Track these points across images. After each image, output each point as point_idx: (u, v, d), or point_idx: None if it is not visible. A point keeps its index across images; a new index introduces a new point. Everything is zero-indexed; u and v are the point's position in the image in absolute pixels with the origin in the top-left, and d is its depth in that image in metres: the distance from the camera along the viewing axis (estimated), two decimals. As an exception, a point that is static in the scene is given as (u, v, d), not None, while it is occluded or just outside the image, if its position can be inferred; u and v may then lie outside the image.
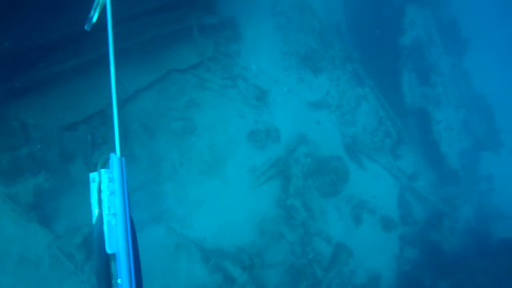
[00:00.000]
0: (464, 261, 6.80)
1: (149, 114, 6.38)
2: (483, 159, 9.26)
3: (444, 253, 7.00)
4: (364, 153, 7.78)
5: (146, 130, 6.27)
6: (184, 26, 6.69)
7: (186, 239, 5.82)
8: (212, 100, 7.00)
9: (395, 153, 7.99)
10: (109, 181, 1.32)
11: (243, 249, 6.07)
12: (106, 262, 1.22)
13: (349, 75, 8.52)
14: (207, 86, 7.01)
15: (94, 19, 1.73)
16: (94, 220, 1.31)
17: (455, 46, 9.89)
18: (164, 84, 6.66)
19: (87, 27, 1.95)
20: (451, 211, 7.57)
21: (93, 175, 1.37)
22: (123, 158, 1.44)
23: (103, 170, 1.35)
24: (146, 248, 5.64)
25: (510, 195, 9.46)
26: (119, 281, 1.17)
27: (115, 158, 1.40)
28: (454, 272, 6.58)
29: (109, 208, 1.28)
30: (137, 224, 4.69)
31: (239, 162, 6.76)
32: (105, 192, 1.30)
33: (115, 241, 1.23)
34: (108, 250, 1.21)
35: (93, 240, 1.28)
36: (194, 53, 6.99)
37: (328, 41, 8.78)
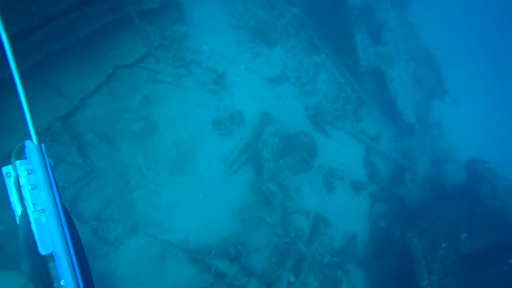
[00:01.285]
0: (426, 209, 7.48)
1: (102, 121, 5.83)
2: (433, 107, 9.89)
3: (409, 204, 7.63)
4: (328, 122, 7.92)
5: (103, 139, 5.77)
6: (122, 15, 5.95)
7: (168, 244, 5.71)
8: (169, 93, 6.53)
9: (357, 117, 8.22)
10: (29, 174, 1.13)
11: (227, 240, 6.13)
12: (42, 265, 1.06)
13: (304, 43, 8.33)
14: (160, 78, 6.49)
15: None
16: (18, 220, 1.12)
17: (400, -2, 9.96)
18: (112, 85, 6.04)
19: None
20: (411, 164, 8.14)
21: (6, 169, 1.14)
22: (42, 144, 1.21)
23: (18, 162, 1.13)
24: (130, 261, 5.47)
25: (457, 138, 10.36)
26: (62, 282, 1.03)
27: (32, 146, 1.17)
28: (419, 221, 7.23)
29: (34, 204, 1.10)
30: (115, 238, 4.47)
31: (208, 154, 6.57)
32: (26, 186, 1.11)
33: (50, 239, 1.08)
34: (42, 251, 1.06)
35: (19, 244, 1.11)
36: (139, 44, 6.33)
37: (278, 10, 8.38)
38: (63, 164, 5.25)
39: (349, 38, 8.37)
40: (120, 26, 6.03)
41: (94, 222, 5.04)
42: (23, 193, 1.11)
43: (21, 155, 1.15)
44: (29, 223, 1.07)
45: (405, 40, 9.42)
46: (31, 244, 1.06)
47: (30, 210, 1.08)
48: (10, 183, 1.13)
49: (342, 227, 7.38)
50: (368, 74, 8.46)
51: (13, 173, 1.13)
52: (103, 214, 5.39)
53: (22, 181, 1.11)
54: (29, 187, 1.11)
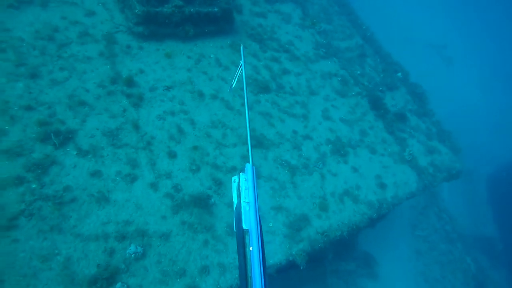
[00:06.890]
0: None
1: None
2: None
3: None
4: None
5: None
6: (317, 273, 5.72)
7: None
8: None
9: None
10: (245, 180, 1.85)
11: None
12: (243, 235, 1.68)
13: None
14: None
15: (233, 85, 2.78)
16: (234, 206, 1.81)
17: None
18: None
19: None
20: None
21: (234, 178, 1.92)
22: (254, 166, 1.90)
23: (241, 174, 1.88)
24: None
25: None
26: (251, 248, 1.61)
27: (249, 166, 1.91)
28: None
29: (245, 197, 1.80)
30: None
31: None
32: (243, 187, 1.83)
33: (249, 221, 1.70)
34: (244, 226, 1.69)
35: (234, 220, 1.76)
36: (322, 301, 5.83)
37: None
38: None
39: None
40: (311, 281, 5.73)
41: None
42: (241, 190, 1.84)
43: (243, 171, 1.91)
44: (240, 208, 1.77)
45: None
46: (240, 221, 1.72)
47: (242, 200, 1.79)
48: (234, 186, 1.90)
49: None
50: None
51: (237, 180, 1.90)
52: None
53: (242, 184, 1.86)
54: (244, 188, 1.83)
